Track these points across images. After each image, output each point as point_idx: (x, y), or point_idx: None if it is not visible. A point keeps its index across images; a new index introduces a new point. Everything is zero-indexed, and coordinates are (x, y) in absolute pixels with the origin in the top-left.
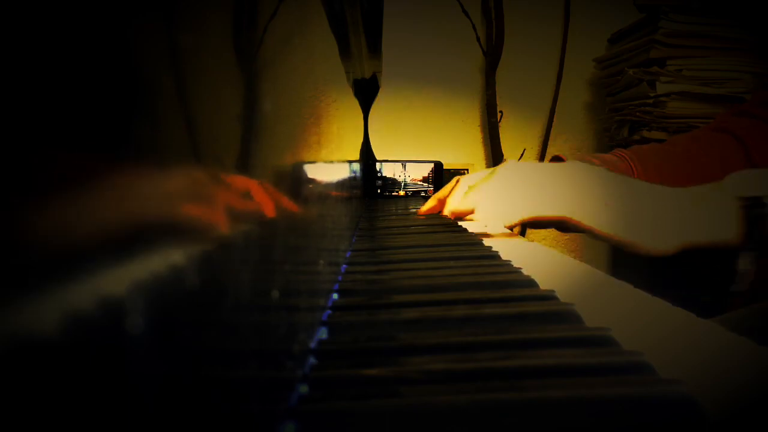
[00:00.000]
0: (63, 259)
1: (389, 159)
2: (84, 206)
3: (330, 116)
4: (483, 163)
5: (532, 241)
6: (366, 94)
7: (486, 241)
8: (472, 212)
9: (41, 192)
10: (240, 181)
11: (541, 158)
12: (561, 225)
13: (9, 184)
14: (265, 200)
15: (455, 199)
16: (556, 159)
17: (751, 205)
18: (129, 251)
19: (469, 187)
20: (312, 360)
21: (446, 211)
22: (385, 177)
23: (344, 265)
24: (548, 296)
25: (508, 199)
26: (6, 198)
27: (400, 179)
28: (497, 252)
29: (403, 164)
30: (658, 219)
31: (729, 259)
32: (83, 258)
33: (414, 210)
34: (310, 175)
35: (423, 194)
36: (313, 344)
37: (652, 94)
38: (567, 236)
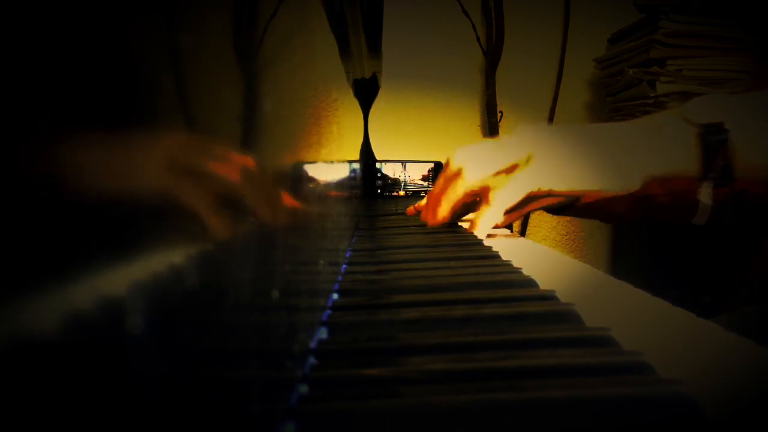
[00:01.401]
0: (63, 258)
1: (389, 159)
2: (84, 206)
3: (330, 116)
4: None
5: (532, 241)
6: (366, 94)
7: (486, 241)
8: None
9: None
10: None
11: None
12: (526, 201)
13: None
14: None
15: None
16: None
17: (707, 132)
18: (129, 251)
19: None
20: (312, 360)
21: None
22: (385, 177)
23: (344, 265)
24: (548, 296)
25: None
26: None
27: (400, 179)
28: (497, 252)
29: (403, 164)
30: (615, 158)
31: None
32: (83, 258)
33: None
34: (310, 175)
35: (423, 194)
36: (313, 344)
37: (652, 94)
38: (567, 236)
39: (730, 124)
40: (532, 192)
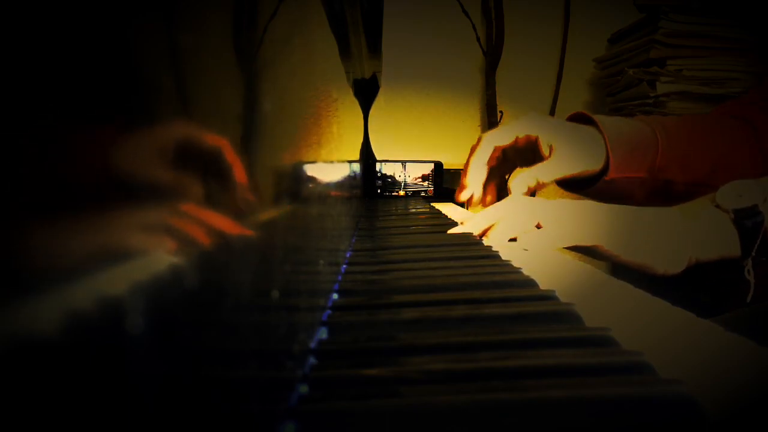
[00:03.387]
0: (63, 258)
1: (389, 159)
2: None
3: (330, 116)
4: None
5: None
6: (366, 94)
7: (486, 241)
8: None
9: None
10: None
11: None
12: (590, 251)
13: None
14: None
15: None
16: (579, 116)
17: (742, 216)
18: (129, 251)
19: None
20: (312, 360)
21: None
22: (385, 177)
23: (344, 265)
24: (548, 296)
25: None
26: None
27: (400, 179)
28: (497, 252)
29: (403, 164)
30: (662, 241)
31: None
32: (83, 258)
33: (414, 210)
34: (310, 175)
35: (423, 194)
36: (313, 344)
37: (652, 94)
38: None
39: (763, 206)
40: (597, 246)
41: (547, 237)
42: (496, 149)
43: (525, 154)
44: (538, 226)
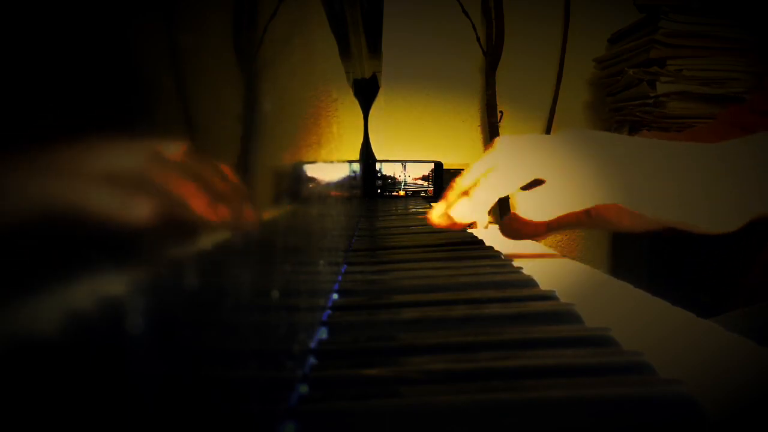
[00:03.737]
0: (63, 258)
1: (389, 159)
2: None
3: (330, 116)
4: None
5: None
6: (366, 94)
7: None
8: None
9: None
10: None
11: None
12: (592, 217)
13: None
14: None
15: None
16: None
17: None
18: (128, 250)
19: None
20: (312, 360)
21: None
22: (385, 177)
23: (344, 265)
24: (548, 296)
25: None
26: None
27: (400, 179)
28: (497, 252)
29: (403, 164)
30: (710, 191)
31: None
32: (83, 258)
33: (414, 210)
34: (310, 175)
35: (423, 194)
36: (313, 344)
37: (652, 94)
38: (567, 236)
39: None
40: (605, 205)
41: (550, 199)
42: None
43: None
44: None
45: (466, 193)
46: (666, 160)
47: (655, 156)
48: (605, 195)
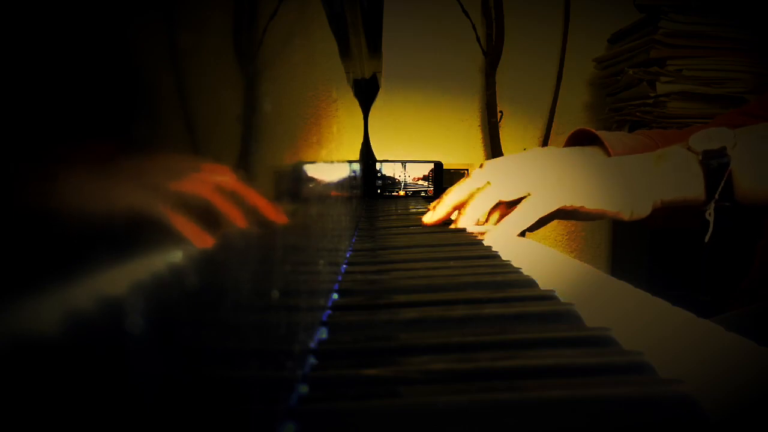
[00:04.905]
0: (63, 258)
1: (389, 159)
2: (83, 205)
3: (330, 116)
4: None
5: (532, 240)
6: (366, 94)
7: (485, 241)
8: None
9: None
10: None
11: None
12: (558, 213)
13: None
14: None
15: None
16: (580, 133)
17: (709, 157)
18: (129, 250)
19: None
20: (312, 360)
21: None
22: (385, 177)
23: (344, 265)
24: (548, 296)
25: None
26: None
27: (400, 179)
28: (497, 252)
29: (403, 164)
30: (630, 186)
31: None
32: (83, 258)
33: (414, 210)
34: (310, 175)
35: (423, 194)
36: (313, 344)
37: (652, 94)
38: (567, 236)
39: (731, 150)
40: (565, 206)
41: (528, 208)
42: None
43: None
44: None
45: (459, 206)
46: (599, 168)
47: (596, 167)
48: (566, 198)
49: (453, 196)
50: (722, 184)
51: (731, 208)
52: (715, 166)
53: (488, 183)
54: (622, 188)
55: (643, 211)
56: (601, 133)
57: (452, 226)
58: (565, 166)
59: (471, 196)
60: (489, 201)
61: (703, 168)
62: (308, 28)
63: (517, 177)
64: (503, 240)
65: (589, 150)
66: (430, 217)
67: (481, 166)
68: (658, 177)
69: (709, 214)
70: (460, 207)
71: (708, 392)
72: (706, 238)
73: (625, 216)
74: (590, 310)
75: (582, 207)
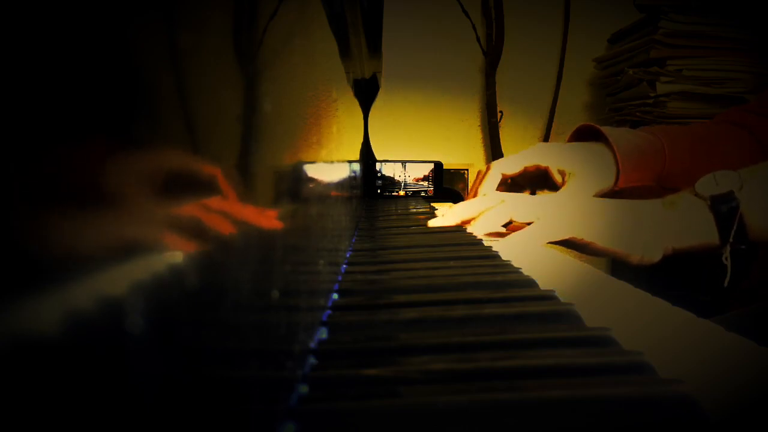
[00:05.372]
0: (63, 258)
1: (389, 159)
2: (83, 206)
3: (330, 116)
4: (483, 163)
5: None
6: (366, 94)
7: (485, 241)
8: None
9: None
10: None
11: None
12: (566, 243)
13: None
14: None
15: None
16: (585, 129)
17: (718, 202)
18: (129, 251)
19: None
20: (312, 360)
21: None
22: (385, 177)
23: (344, 265)
24: (548, 296)
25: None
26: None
27: (400, 179)
28: (497, 252)
29: (403, 164)
30: (641, 231)
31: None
32: (83, 258)
33: (414, 210)
34: (310, 175)
35: (423, 194)
36: (313, 344)
37: (652, 94)
38: None
39: (739, 193)
40: (575, 238)
41: (537, 232)
42: (504, 176)
43: (534, 180)
44: (509, 226)
45: (467, 221)
46: (614, 207)
47: (610, 207)
48: (578, 230)
49: (465, 209)
50: (734, 227)
51: (747, 249)
52: (725, 210)
53: (502, 201)
54: (635, 231)
55: (653, 256)
56: (605, 129)
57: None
58: (580, 200)
59: (481, 214)
60: (501, 218)
61: (713, 213)
62: (308, 28)
63: (532, 200)
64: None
65: (595, 147)
66: (437, 223)
67: (478, 174)
68: (669, 224)
69: (726, 258)
70: (467, 222)
71: (708, 392)
72: (725, 283)
73: (635, 260)
74: (590, 310)
75: (593, 243)
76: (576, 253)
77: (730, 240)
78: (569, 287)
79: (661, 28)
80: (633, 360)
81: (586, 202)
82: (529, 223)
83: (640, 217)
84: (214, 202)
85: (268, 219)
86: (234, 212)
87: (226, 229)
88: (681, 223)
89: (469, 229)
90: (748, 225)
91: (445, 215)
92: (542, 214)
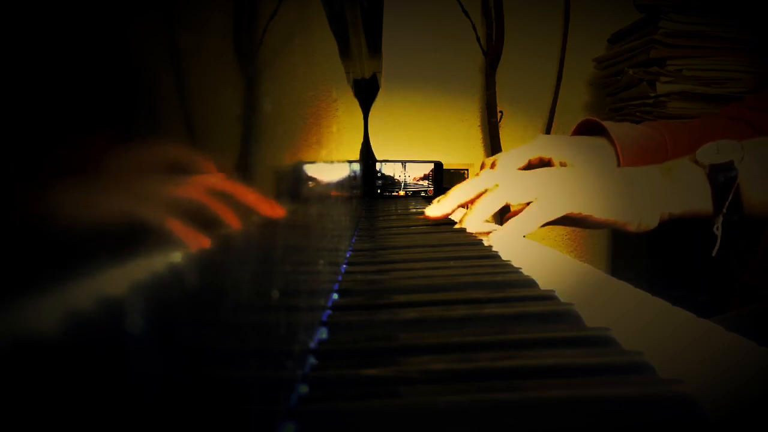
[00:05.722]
0: (63, 258)
1: (389, 159)
2: (84, 206)
3: (330, 116)
4: None
5: (532, 240)
6: (366, 94)
7: (485, 241)
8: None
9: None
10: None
11: None
12: (564, 219)
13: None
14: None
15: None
16: (587, 123)
17: (716, 171)
18: (128, 250)
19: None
20: (312, 360)
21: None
22: (385, 177)
23: (344, 265)
24: (548, 296)
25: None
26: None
27: (400, 179)
28: (497, 252)
29: (403, 164)
30: (638, 198)
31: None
32: (83, 258)
33: (414, 210)
34: (310, 175)
35: (423, 194)
36: (313, 344)
37: (652, 94)
38: (567, 236)
39: (739, 164)
40: (572, 213)
41: (536, 212)
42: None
43: None
44: (506, 212)
45: (465, 204)
46: (609, 178)
47: (605, 177)
48: (574, 205)
49: (460, 193)
50: (730, 198)
51: (739, 221)
52: (722, 180)
53: (497, 185)
54: (631, 199)
55: (650, 223)
56: (608, 124)
57: (457, 226)
58: (575, 173)
59: (478, 195)
60: (497, 203)
61: (710, 182)
62: (308, 28)
63: (527, 180)
64: (507, 241)
65: (597, 141)
66: (434, 211)
67: (483, 165)
68: (666, 190)
69: (717, 228)
70: (465, 205)
71: (708, 392)
72: (714, 252)
73: (633, 227)
74: (590, 310)
75: (590, 216)
76: (576, 253)
77: (724, 211)
78: (569, 287)
79: (661, 28)
80: (633, 360)
81: (583, 174)
82: (528, 203)
83: (637, 185)
84: (211, 179)
85: (271, 207)
86: (236, 194)
87: (229, 217)
88: (678, 189)
89: (466, 218)
90: (743, 197)
91: (441, 201)
92: (539, 193)
